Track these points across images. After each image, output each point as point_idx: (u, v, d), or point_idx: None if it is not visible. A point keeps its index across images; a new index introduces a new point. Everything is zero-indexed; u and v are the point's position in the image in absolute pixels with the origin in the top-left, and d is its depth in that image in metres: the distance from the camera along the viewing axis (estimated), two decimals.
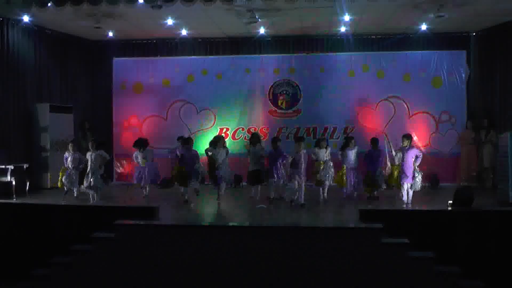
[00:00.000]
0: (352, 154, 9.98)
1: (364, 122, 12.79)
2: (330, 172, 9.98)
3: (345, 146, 10.14)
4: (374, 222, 7.37)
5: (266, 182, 9.81)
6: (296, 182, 9.20)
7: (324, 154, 9.98)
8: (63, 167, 9.92)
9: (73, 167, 9.78)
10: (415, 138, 12.24)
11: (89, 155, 9.63)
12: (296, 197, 9.22)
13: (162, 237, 7.25)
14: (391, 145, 10.17)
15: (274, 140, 9.99)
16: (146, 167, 10.41)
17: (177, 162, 10.16)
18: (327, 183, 9.94)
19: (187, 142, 10.09)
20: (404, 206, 8.96)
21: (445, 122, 12.59)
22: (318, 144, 10.15)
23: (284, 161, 9.54)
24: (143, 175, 10.41)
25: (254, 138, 10.15)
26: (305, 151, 9.48)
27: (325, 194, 9.96)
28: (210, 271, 6.99)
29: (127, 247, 7.24)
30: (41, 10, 9.60)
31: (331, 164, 10.04)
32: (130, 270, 7.14)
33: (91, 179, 9.47)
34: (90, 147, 9.70)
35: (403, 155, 9.23)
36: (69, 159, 9.86)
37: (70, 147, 10.02)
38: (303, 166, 9.28)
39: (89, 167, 9.58)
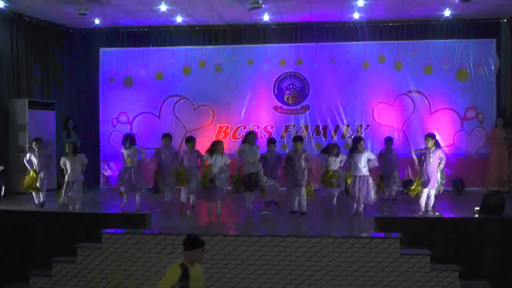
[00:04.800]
0: (362, 159, 9.24)
1: (380, 119, 12.79)
2: (340, 181, 10.01)
3: (353, 150, 9.43)
4: (392, 232, 7.37)
5: (262, 188, 9.71)
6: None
7: (333, 162, 9.95)
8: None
9: None
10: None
11: (66, 161, 9.41)
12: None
13: (155, 248, 7.27)
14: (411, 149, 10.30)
15: (270, 142, 10.11)
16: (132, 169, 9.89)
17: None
18: (337, 190, 10.04)
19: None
20: (421, 214, 8.99)
21: (471, 120, 12.57)
22: (327, 151, 10.11)
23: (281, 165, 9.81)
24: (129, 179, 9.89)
25: (251, 137, 9.87)
26: (306, 152, 9.56)
27: (334, 201, 10.05)
28: (209, 284, 7.01)
29: (116, 258, 7.27)
30: None
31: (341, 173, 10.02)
32: (120, 285, 7.17)
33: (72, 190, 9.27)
34: (67, 151, 9.48)
35: (426, 157, 9.14)
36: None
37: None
38: (301, 167, 9.35)
39: (70, 175, 9.35)
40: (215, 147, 9.34)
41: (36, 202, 9.89)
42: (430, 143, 9.15)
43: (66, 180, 9.35)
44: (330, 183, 9.89)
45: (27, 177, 9.88)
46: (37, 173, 9.83)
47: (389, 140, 10.98)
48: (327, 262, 6.92)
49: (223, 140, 12.69)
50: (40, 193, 9.88)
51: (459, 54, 12.62)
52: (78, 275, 7.29)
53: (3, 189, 10.54)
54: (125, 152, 10.00)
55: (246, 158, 9.55)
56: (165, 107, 13.31)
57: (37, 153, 9.89)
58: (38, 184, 9.78)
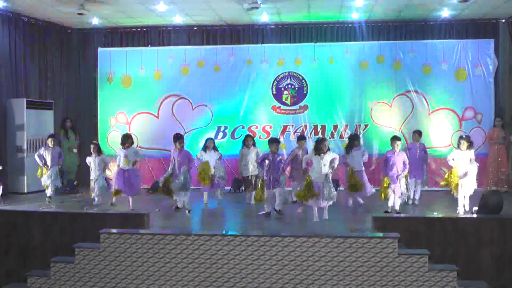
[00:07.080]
0: (357, 155, 10.06)
1: (378, 119, 12.79)
2: (326, 190, 8.64)
3: (349, 147, 10.25)
4: (390, 231, 7.37)
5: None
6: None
7: (321, 161, 8.73)
8: None
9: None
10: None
11: (91, 160, 10.21)
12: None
13: (153, 248, 7.26)
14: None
15: (272, 142, 9.35)
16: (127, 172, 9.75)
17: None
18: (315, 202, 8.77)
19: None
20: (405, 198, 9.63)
21: (470, 120, 12.58)
22: (315, 149, 8.91)
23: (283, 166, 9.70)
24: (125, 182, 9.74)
25: (246, 140, 10.58)
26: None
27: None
28: (207, 284, 7.02)
29: (114, 258, 7.26)
30: None
31: (330, 180, 8.74)
32: (118, 285, 7.17)
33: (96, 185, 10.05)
34: (92, 151, 10.20)
35: (411, 150, 10.19)
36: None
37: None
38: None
39: (94, 173, 10.16)
40: (207, 144, 10.63)
41: (48, 194, 10.39)
42: (416, 138, 10.35)
43: (91, 178, 10.13)
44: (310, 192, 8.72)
45: (40, 172, 10.46)
46: (47, 169, 10.40)
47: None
48: (325, 262, 6.92)
49: (222, 140, 12.81)
50: (50, 188, 10.36)
51: (457, 54, 12.62)
52: (76, 275, 7.28)
53: (1, 189, 10.53)
54: (121, 152, 9.85)
55: (244, 160, 10.42)
56: (164, 107, 13.28)
57: (51, 150, 10.50)
58: (47, 179, 10.30)
